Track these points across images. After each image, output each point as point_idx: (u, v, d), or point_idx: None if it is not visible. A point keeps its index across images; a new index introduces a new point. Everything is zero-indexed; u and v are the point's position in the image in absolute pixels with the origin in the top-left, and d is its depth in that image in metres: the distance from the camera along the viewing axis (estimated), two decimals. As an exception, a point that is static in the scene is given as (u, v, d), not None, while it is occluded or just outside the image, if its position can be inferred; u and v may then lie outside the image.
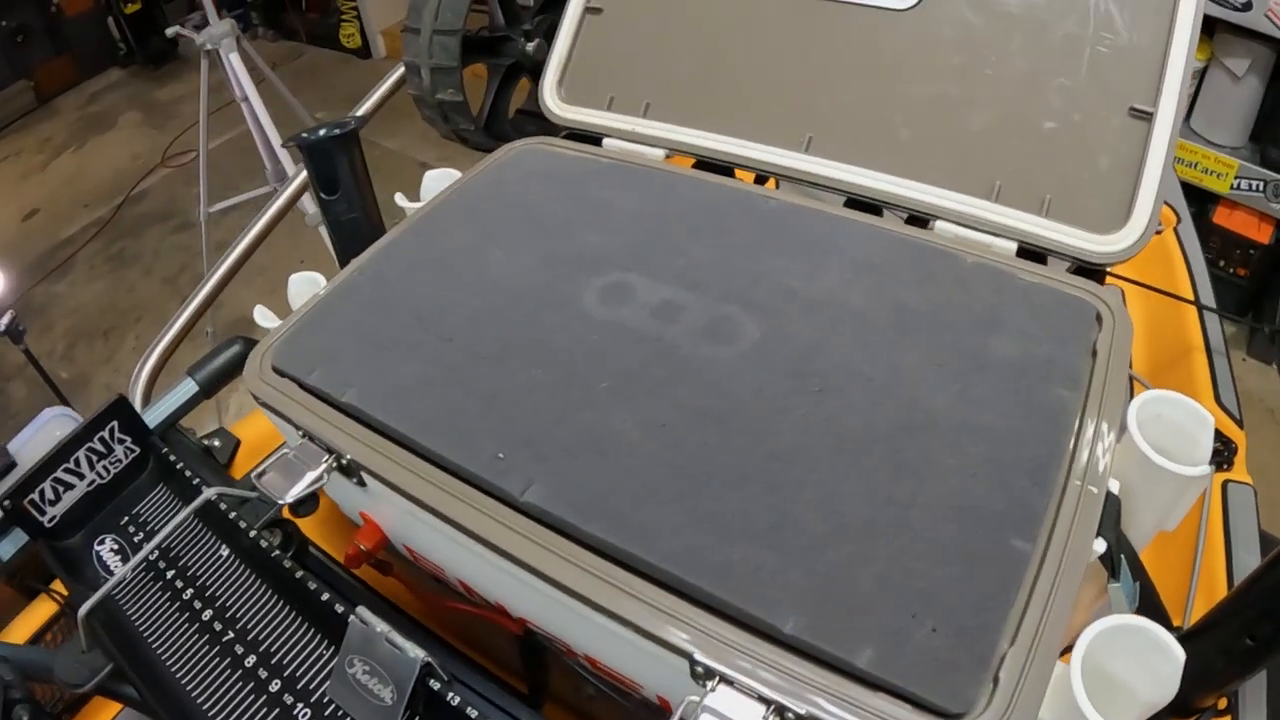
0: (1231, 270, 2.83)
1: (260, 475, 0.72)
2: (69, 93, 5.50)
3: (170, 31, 2.99)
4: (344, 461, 0.70)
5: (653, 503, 0.60)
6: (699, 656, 0.54)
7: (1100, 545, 0.60)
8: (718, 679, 0.54)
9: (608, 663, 0.68)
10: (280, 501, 0.70)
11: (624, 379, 0.69)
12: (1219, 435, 1.06)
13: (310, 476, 0.71)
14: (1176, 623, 0.70)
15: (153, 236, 4.13)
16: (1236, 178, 2.74)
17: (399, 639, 0.68)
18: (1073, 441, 0.64)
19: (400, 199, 0.99)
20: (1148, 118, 0.83)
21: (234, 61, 2.78)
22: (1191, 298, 1.32)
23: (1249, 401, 2.58)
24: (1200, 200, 2.85)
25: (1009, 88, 0.88)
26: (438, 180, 1.00)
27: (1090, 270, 0.83)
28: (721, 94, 1.00)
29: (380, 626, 0.69)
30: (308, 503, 1.06)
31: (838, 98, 0.95)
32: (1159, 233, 1.43)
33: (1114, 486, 0.63)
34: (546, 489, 0.62)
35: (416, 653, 0.67)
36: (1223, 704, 0.73)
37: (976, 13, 0.90)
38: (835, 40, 0.96)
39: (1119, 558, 0.63)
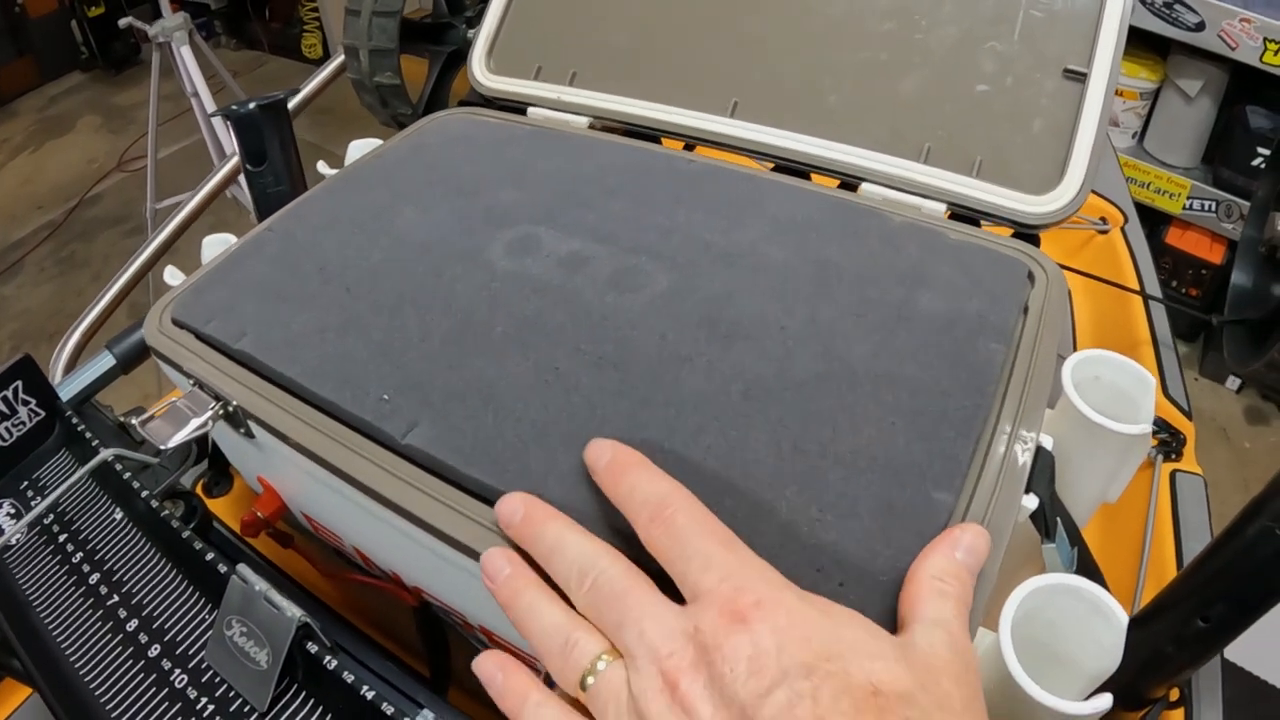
0: (1184, 290, 2.90)
1: (145, 422, 0.69)
2: (29, 94, 5.46)
3: (123, 22, 2.97)
4: (230, 408, 0.67)
5: (539, 448, 0.57)
6: None
7: (1031, 501, 0.57)
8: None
9: (501, 633, 0.65)
10: (161, 448, 0.67)
11: (521, 325, 0.66)
12: (1167, 426, 1.07)
13: (195, 423, 0.68)
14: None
15: (104, 241, 4.09)
16: (1189, 198, 2.80)
17: (277, 597, 0.64)
18: (1002, 395, 0.61)
19: (323, 167, 0.97)
20: (1081, 78, 0.82)
21: (185, 55, 2.76)
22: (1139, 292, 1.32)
23: (1201, 420, 2.63)
24: (1153, 221, 2.92)
25: (940, 52, 0.88)
26: (361, 149, 0.98)
27: (1026, 236, 0.82)
28: (648, 61, 0.98)
29: (260, 585, 0.65)
30: (222, 482, 1.03)
31: (765, 63, 0.94)
32: (1106, 232, 1.44)
33: (1047, 443, 0.61)
34: (430, 432, 0.59)
35: (294, 611, 0.63)
36: (1175, 695, 0.70)
37: (909, -24, 0.90)
38: (765, 5, 0.95)
39: (1054, 519, 0.60)
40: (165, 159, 3.86)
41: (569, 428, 0.59)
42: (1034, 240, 0.82)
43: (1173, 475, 1.02)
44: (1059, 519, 0.61)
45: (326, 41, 5.26)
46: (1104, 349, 0.70)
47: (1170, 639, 0.64)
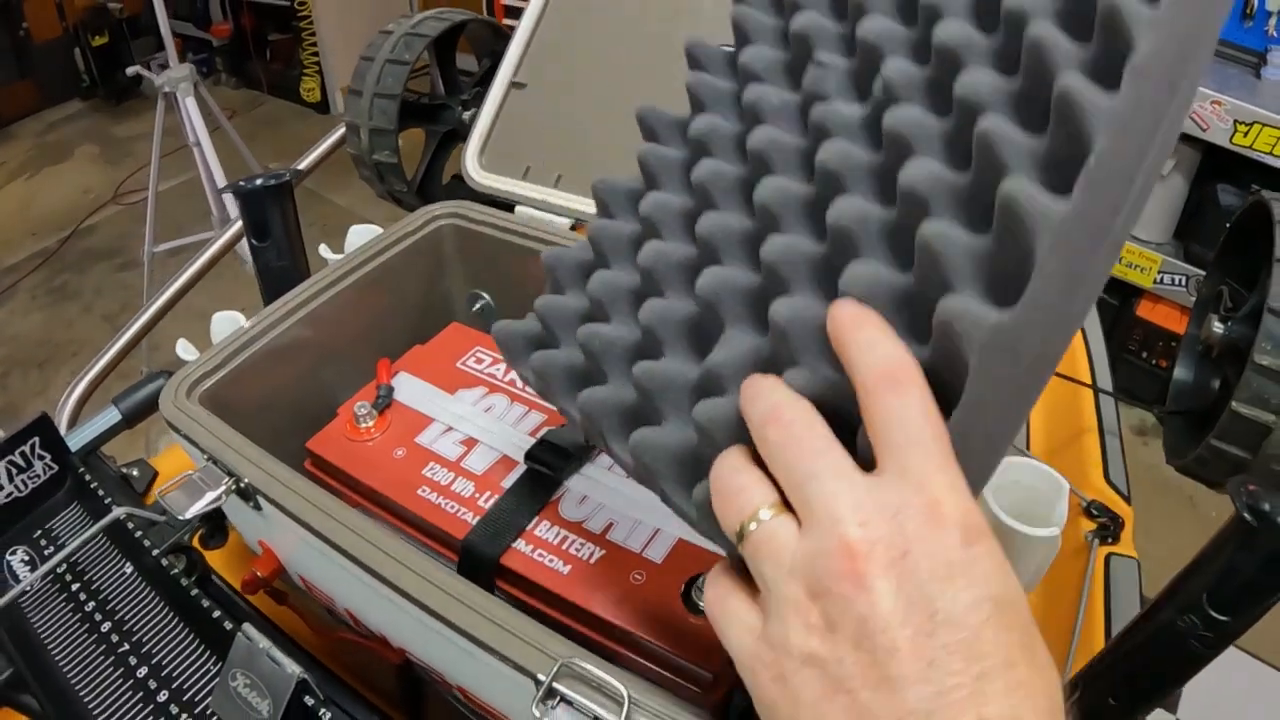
0: (1154, 362, 2.99)
1: (164, 492, 0.77)
2: (28, 119, 5.51)
3: (131, 70, 3.08)
4: (242, 484, 0.75)
5: None
6: (542, 676, 0.57)
7: None
8: (558, 699, 0.57)
9: (476, 693, 0.72)
10: (180, 517, 0.75)
11: None
12: (1106, 511, 1.12)
13: (210, 496, 0.76)
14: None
15: (96, 273, 4.15)
16: (1160, 272, 2.88)
17: (279, 655, 0.73)
18: None
19: (324, 250, 1.05)
20: None
21: (190, 106, 2.85)
22: (1089, 381, 1.38)
23: (1168, 489, 2.70)
24: (1124, 293, 3.02)
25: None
26: (360, 235, 1.06)
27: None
28: (628, 170, 1.05)
29: (263, 643, 0.74)
30: (217, 536, 1.10)
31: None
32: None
33: None
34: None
35: (293, 668, 0.72)
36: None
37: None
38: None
39: None
40: (163, 193, 3.91)
41: None
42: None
43: (1108, 559, 1.07)
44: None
45: (325, 86, 5.33)
46: (1026, 455, 0.76)
47: (1084, 715, 0.71)
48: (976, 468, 0.43)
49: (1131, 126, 0.47)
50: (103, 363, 1.44)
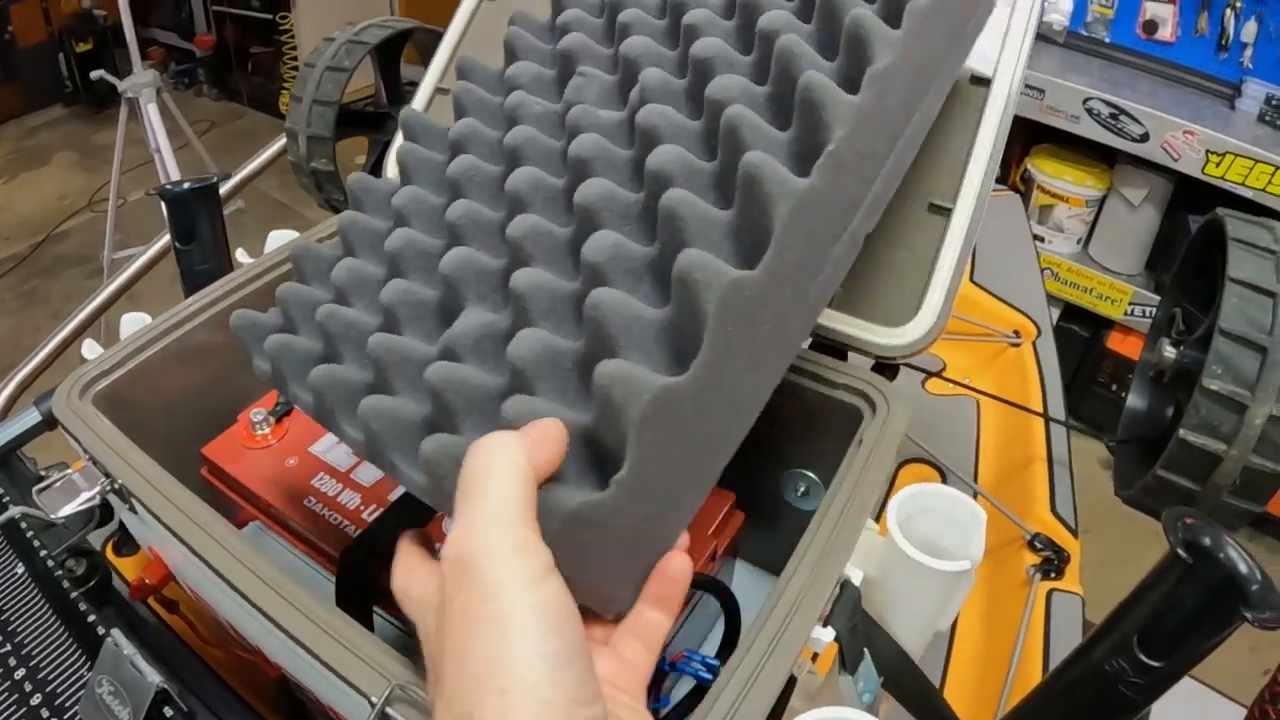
0: (1123, 395, 2.91)
1: (41, 490, 0.75)
2: (10, 123, 5.48)
3: (95, 75, 3.06)
4: (116, 486, 0.73)
5: None
6: (375, 699, 0.56)
7: (826, 634, 0.60)
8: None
9: (344, 713, 0.70)
10: (50, 518, 0.73)
11: None
12: (1050, 544, 1.11)
13: (84, 496, 0.74)
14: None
15: (66, 279, 4.12)
16: (1130, 304, 2.88)
17: (141, 663, 0.71)
18: (817, 526, 0.64)
19: (241, 254, 1.03)
20: (946, 213, 0.86)
21: (151, 112, 2.83)
22: (1040, 410, 1.38)
23: (1134, 523, 2.65)
24: (1095, 325, 3.01)
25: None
26: (278, 240, 1.04)
27: (885, 367, 0.87)
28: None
29: (128, 649, 0.72)
30: (131, 543, 1.08)
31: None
32: (1017, 345, 1.50)
33: (855, 577, 0.64)
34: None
35: (154, 678, 0.70)
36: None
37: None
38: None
39: (857, 650, 0.63)
40: (136, 203, 3.91)
41: None
42: (891, 371, 0.87)
43: (1049, 594, 1.06)
44: (867, 649, 0.64)
45: (304, 100, 5.28)
46: (932, 483, 0.73)
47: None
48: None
49: (870, 122, 0.57)
50: (31, 365, 1.43)
